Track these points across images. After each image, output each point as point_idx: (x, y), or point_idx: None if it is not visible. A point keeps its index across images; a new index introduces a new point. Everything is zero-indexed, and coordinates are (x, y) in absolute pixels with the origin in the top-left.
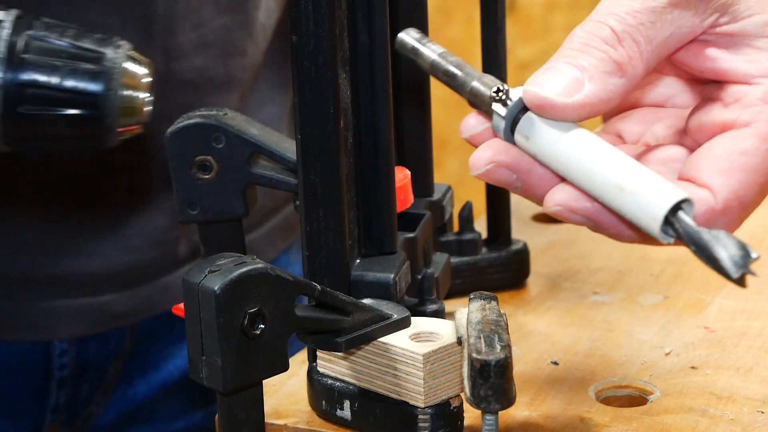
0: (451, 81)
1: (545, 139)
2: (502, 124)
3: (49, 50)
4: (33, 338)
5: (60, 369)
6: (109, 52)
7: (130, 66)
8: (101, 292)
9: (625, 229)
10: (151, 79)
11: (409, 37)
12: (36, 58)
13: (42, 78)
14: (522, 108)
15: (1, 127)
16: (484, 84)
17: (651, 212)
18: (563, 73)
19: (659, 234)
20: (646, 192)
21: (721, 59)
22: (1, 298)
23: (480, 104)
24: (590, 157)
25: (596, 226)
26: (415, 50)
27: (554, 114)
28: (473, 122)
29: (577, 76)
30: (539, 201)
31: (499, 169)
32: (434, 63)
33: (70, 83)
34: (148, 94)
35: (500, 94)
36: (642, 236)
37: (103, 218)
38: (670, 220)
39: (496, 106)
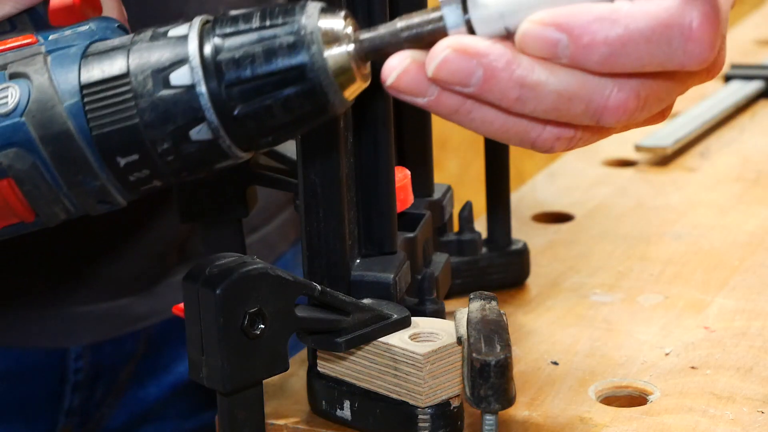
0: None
1: None
2: (454, 9)
3: (241, 43)
4: (51, 345)
5: (75, 373)
6: (299, 17)
7: (326, 23)
8: (120, 295)
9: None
10: (351, 28)
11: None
12: (230, 55)
13: (243, 73)
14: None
15: (227, 138)
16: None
17: None
18: None
19: None
20: None
21: None
22: (22, 307)
23: (417, 30)
24: None
25: (570, 40)
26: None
27: None
28: (395, 61)
29: None
30: (500, 94)
31: (459, 57)
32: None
33: (272, 66)
34: (354, 45)
35: None
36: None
37: (125, 222)
38: None
39: None
